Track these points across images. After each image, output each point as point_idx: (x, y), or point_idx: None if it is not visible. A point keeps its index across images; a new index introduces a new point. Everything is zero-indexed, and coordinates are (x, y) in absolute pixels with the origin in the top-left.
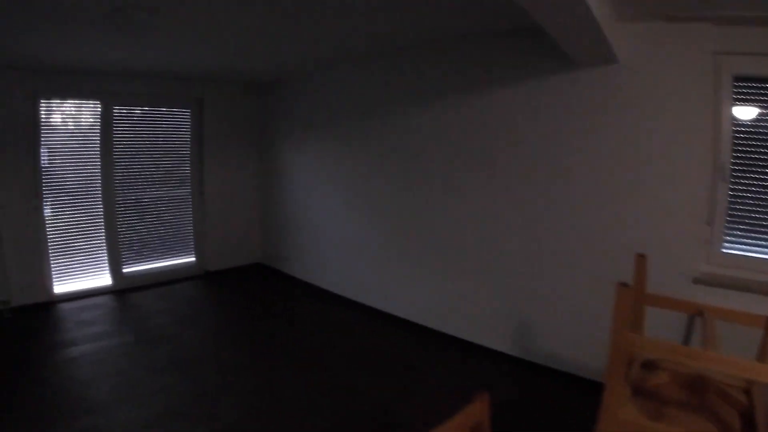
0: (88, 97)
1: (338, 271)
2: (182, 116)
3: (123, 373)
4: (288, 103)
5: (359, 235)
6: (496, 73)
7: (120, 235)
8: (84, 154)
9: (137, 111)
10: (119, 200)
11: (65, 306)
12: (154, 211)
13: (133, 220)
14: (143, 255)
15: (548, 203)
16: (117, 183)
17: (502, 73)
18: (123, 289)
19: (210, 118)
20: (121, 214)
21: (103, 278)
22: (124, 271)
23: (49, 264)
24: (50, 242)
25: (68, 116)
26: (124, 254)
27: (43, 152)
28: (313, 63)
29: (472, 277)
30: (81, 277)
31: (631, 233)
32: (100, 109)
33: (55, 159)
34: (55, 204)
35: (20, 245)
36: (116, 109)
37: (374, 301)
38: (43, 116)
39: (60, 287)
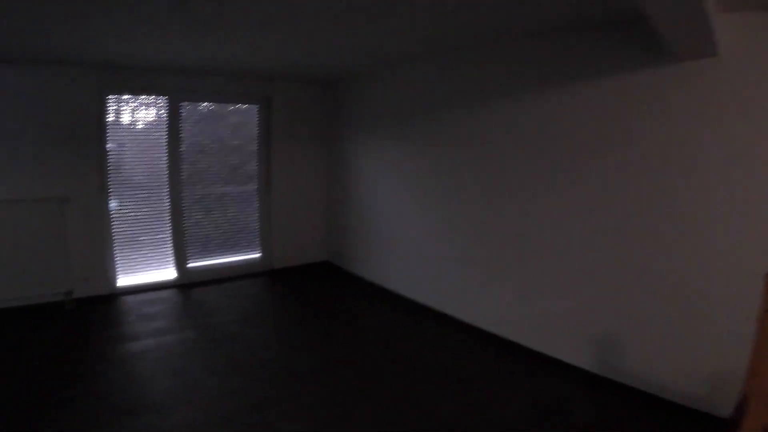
0: (154, 93)
1: (407, 273)
2: (250, 113)
3: (182, 372)
4: (356, 100)
5: (429, 237)
6: (582, 68)
7: (186, 229)
8: (151, 149)
9: (204, 107)
10: (186, 195)
11: (128, 299)
12: (221, 206)
13: (199, 215)
14: (208, 250)
15: (648, 212)
16: (184, 178)
17: (588, 68)
18: (187, 284)
19: (278, 115)
20: (187, 209)
21: (167, 272)
22: (189, 265)
23: (113, 257)
24: (115, 235)
25: (135, 111)
26: (189, 249)
27: (110, 147)
28: (383, 59)
29: (552, 285)
30: (145, 270)
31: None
32: (167, 105)
33: (121, 154)
34: (121, 198)
35: (85, 238)
36: (183, 105)
37: (444, 306)
38: (109, 111)
39: (123, 280)
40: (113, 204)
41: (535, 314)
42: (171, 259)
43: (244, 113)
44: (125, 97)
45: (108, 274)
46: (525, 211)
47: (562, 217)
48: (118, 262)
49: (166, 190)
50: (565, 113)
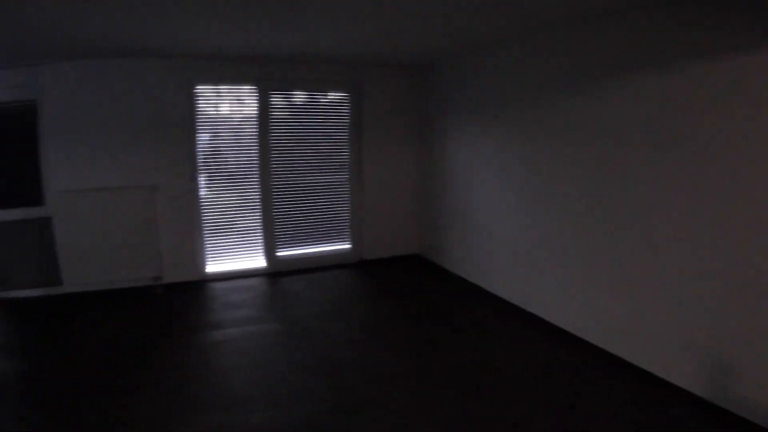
0: (244, 82)
1: (504, 272)
2: (341, 101)
3: (264, 366)
4: (450, 86)
5: (528, 234)
6: (710, 41)
7: (276, 218)
8: (241, 139)
9: (294, 95)
10: (276, 184)
11: (216, 286)
12: (311, 196)
13: (289, 204)
14: (298, 239)
15: None
16: (274, 167)
17: (719, 40)
18: (275, 273)
19: (369, 102)
20: (277, 197)
21: (256, 260)
22: (278, 254)
23: (203, 244)
24: (205, 223)
25: (225, 101)
26: (278, 237)
27: (200, 136)
28: (478, 41)
29: (666, 297)
30: (234, 258)
31: None
32: (256, 94)
33: (211, 143)
34: (211, 186)
35: (175, 224)
36: (273, 94)
37: (544, 311)
38: (199, 101)
39: (212, 266)
40: (203, 192)
41: (639, 326)
42: (260, 247)
43: (335, 101)
44: (215, 87)
45: (197, 260)
46: (636, 207)
47: (679, 217)
48: (207, 249)
49: (256, 179)
50: (684, 95)
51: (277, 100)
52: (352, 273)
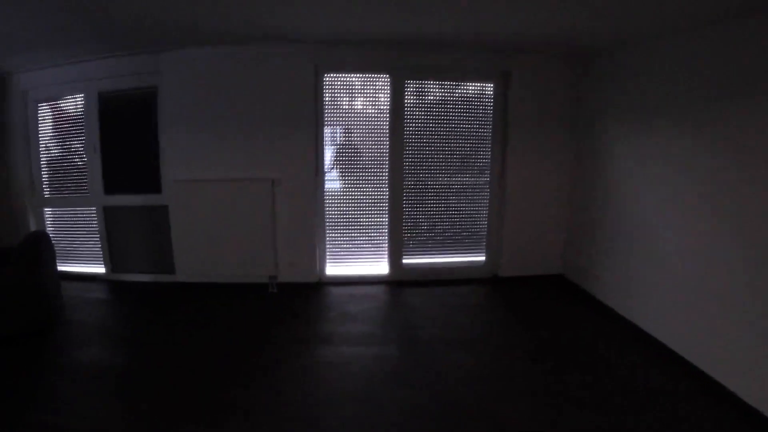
0: (375, 71)
1: (679, 317)
2: (483, 93)
3: (370, 402)
4: (620, 79)
5: (722, 271)
6: None
7: (405, 222)
8: (371, 133)
9: (431, 86)
10: (408, 184)
11: (334, 290)
12: (445, 199)
13: (420, 207)
14: (426, 247)
15: None
16: (406, 166)
17: None
18: (399, 282)
19: (517, 95)
20: (408, 199)
21: (379, 266)
22: (404, 261)
23: (325, 244)
24: (328, 222)
25: (354, 91)
26: (406, 243)
27: (326, 129)
28: (674, 19)
29: None
30: (356, 261)
31: None
32: (389, 84)
33: (338, 136)
34: (336, 183)
35: (295, 221)
36: (407, 84)
37: (738, 386)
38: (326, 91)
39: (332, 269)
40: (328, 189)
41: None
42: (385, 252)
43: (477, 93)
44: (343, 75)
45: (316, 261)
46: None
47: None
48: (328, 249)
49: (386, 178)
50: None
51: (411, 90)
52: (483, 291)
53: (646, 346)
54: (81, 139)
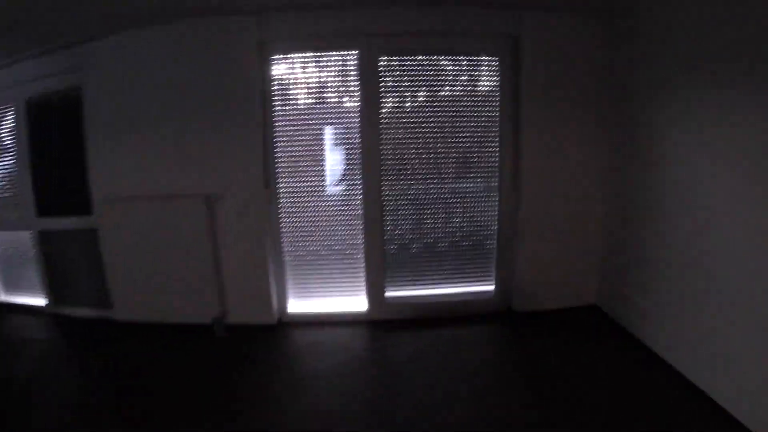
0: (340, 46)
1: (755, 375)
2: (486, 68)
3: None
4: (672, 43)
5: None
6: None
7: (387, 243)
8: (337, 130)
9: (416, 63)
10: (390, 194)
11: (297, 334)
12: (439, 211)
13: (407, 223)
14: (417, 274)
15: None
16: (386, 170)
17: None
18: (381, 321)
19: (530, 69)
20: (390, 213)
21: (356, 301)
22: (388, 294)
23: (284, 274)
24: (286, 245)
25: (314, 75)
26: (390, 271)
27: (279, 127)
28: None
29: None
30: (325, 295)
31: None
32: (359, 62)
33: (295, 135)
34: (296, 197)
35: (243, 248)
36: (385, 61)
37: None
38: (277, 77)
39: (295, 305)
40: (285, 204)
41: None
42: (362, 283)
43: (477, 69)
44: (298, 55)
45: (273, 296)
46: None
47: None
48: (290, 281)
49: (359, 187)
50: None
51: (390, 70)
52: (493, 333)
53: (707, 408)
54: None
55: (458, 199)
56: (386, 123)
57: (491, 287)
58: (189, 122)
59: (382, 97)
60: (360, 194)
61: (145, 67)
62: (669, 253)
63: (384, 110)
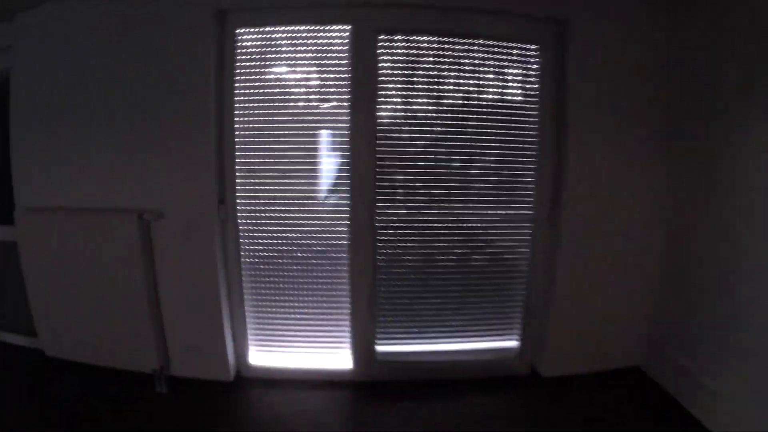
0: (326, 19)
1: None
2: (519, 60)
3: None
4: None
5: None
6: None
7: (379, 282)
8: (318, 129)
9: (424, 46)
10: (383, 220)
11: (259, 396)
12: (449, 246)
13: (405, 257)
14: (418, 324)
15: None
16: (381, 188)
17: None
18: (370, 384)
19: (582, 63)
20: (384, 245)
21: (336, 355)
22: (379, 349)
23: (243, 317)
24: (247, 280)
25: (289, 58)
26: (382, 319)
27: (242, 126)
28: None
29: None
30: (296, 345)
31: None
32: (349, 41)
33: (259, 137)
34: (259, 216)
35: (190, 281)
36: (385, 42)
37: None
38: (239, 60)
39: (257, 358)
40: (244, 226)
41: None
42: (346, 333)
43: (509, 61)
44: (269, 29)
45: (229, 346)
46: None
47: None
48: (251, 326)
49: (345, 208)
50: None
51: (392, 55)
52: (515, 403)
53: None
54: None
55: (478, 231)
56: (385, 126)
57: (514, 343)
58: (128, 115)
59: (380, 91)
60: (347, 217)
61: (80, 47)
62: (741, 314)
63: (382, 109)
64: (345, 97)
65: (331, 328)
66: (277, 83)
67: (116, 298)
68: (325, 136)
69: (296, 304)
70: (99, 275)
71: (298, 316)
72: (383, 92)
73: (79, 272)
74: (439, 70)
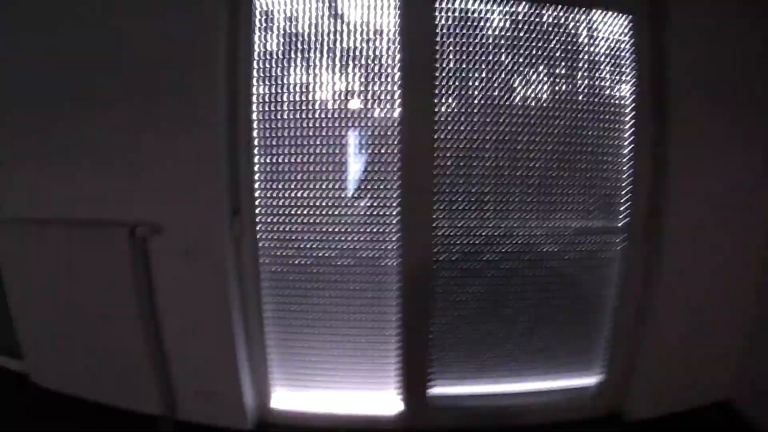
0: None
1: None
2: (607, 32)
3: None
4: None
5: None
6: None
7: (436, 312)
8: (363, 124)
9: (496, 10)
10: (442, 234)
11: None
12: (521, 264)
13: (467, 281)
14: (480, 361)
15: None
16: (440, 194)
17: None
18: (422, 431)
19: (687, 40)
20: (443, 266)
21: (382, 398)
22: (434, 392)
23: (265, 354)
24: (269, 308)
25: (329, 22)
26: (438, 355)
27: (262, 115)
28: None
29: None
30: (333, 386)
31: None
32: (399, 7)
33: (291, 131)
34: (288, 230)
35: (201, 310)
36: (442, 6)
37: None
38: (255, 30)
39: (285, 400)
40: (265, 243)
41: None
42: (392, 372)
43: (595, 35)
44: None
45: (246, 386)
46: None
47: None
48: (273, 362)
49: (394, 220)
50: None
51: (454, 24)
52: None
53: None
54: None
55: (555, 247)
56: (446, 117)
57: (593, 380)
58: (115, 108)
59: (437, 70)
60: (396, 231)
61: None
62: None
63: (443, 94)
64: (396, 74)
65: (374, 365)
66: (307, 60)
67: (110, 327)
68: (370, 127)
69: (331, 335)
70: (87, 300)
71: (334, 350)
72: (444, 71)
73: (70, 298)
74: (510, 44)
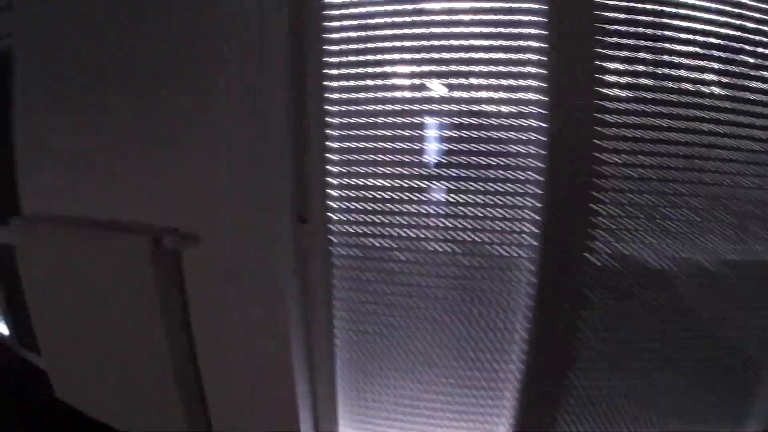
0: None
1: None
2: None
3: None
4: None
5: None
6: None
7: (567, 337)
8: (485, 99)
9: None
10: (597, 264)
11: None
12: (679, 303)
13: (615, 311)
14: (616, 401)
15: None
16: (597, 205)
17: None
18: None
19: None
20: (594, 304)
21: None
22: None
23: (333, 384)
24: (340, 328)
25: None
26: (570, 403)
27: (334, 104)
28: None
29: None
30: (419, 422)
31: None
32: None
33: (359, 117)
34: (362, 243)
35: (249, 334)
36: None
37: None
38: (331, 15)
39: (354, 429)
40: (341, 254)
41: None
42: (501, 403)
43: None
44: None
45: (301, 420)
46: None
47: None
48: (343, 391)
49: (526, 240)
50: None
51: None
52: None
53: None
54: None
55: (716, 280)
56: (609, 101)
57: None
58: (143, 97)
59: (600, 34)
60: (529, 256)
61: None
62: None
63: (603, 68)
64: (539, 32)
65: (474, 397)
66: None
67: (132, 347)
68: (498, 111)
69: (419, 367)
70: (114, 318)
71: (424, 380)
72: (605, 38)
73: (88, 310)
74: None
